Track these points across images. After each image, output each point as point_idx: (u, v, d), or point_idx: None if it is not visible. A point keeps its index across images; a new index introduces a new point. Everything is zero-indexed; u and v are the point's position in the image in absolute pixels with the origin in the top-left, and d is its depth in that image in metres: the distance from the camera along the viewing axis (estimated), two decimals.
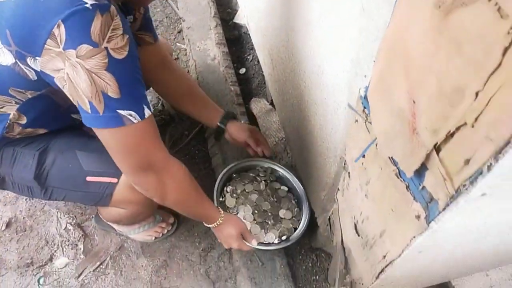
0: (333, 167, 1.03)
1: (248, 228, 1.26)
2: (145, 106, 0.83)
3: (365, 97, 0.73)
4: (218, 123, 1.35)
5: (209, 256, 1.44)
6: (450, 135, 0.49)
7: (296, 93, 1.22)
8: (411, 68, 0.54)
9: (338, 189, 1.01)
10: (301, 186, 1.37)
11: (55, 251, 1.46)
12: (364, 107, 0.74)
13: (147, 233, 1.45)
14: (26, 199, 1.58)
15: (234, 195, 1.38)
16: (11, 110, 0.96)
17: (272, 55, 1.44)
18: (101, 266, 1.43)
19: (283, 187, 1.42)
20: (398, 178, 0.66)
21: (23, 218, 1.53)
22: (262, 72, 1.87)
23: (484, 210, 0.57)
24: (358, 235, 0.91)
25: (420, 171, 0.59)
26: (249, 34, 2.01)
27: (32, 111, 0.99)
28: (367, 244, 0.88)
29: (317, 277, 1.34)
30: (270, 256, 1.34)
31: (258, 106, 1.71)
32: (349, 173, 0.90)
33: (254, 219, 1.33)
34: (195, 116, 1.40)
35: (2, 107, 0.95)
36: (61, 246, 1.47)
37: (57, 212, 1.54)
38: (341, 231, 1.03)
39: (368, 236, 0.87)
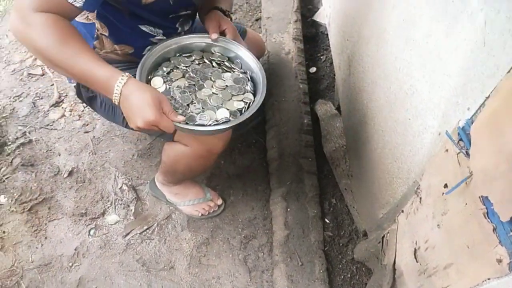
0: (401, 188, 1.03)
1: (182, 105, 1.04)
2: None
3: (464, 130, 0.72)
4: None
5: (250, 244, 1.48)
6: None
7: (373, 106, 1.21)
8: None
9: (402, 211, 1.00)
10: (260, 72, 1.13)
11: (108, 207, 1.54)
12: (460, 139, 0.73)
13: (195, 208, 1.50)
14: (89, 152, 1.67)
15: (166, 72, 1.12)
16: (94, 19, 1.11)
17: (351, 61, 1.44)
18: (147, 230, 1.49)
19: (232, 67, 1.17)
20: (485, 218, 0.66)
21: (84, 170, 1.62)
22: (333, 74, 1.86)
23: None
24: (417, 261, 0.91)
25: None
26: (326, 34, 2.00)
27: (105, 18, 1.10)
28: (426, 272, 0.87)
29: None
30: (310, 258, 1.36)
31: (323, 108, 1.71)
32: (421, 198, 0.90)
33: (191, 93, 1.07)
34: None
35: (88, 15, 1.11)
36: (114, 204, 1.55)
37: (116, 171, 1.62)
38: (396, 252, 1.03)
39: (428, 265, 0.86)
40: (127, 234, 1.48)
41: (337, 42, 1.68)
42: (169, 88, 1.08)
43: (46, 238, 1.46)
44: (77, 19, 1.12)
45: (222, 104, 1.07)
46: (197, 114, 1.03)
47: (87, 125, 1.76)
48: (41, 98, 1.85)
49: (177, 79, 1.10)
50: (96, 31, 1.14)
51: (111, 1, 1.05)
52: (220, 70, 1.15)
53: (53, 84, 1.88)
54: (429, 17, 0.85)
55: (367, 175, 1.29)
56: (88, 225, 1.50)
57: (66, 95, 1.85)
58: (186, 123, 0.98)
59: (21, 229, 1.47)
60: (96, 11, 1.08)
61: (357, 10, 1.36)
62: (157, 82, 1.08)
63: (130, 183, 1.59)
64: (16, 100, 1.83)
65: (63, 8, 0.90)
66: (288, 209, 1.46)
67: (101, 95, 1.20)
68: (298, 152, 1.59)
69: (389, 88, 1.08)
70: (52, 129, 1.75)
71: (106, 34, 1.14)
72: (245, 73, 1.17)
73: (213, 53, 1.19)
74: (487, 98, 0.65)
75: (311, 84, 1.86)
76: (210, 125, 1.01)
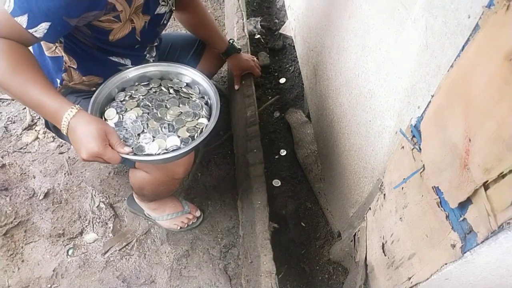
0: (367, 187, 1.08)
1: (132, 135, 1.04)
2: (26, 16, 0.87)
3: (416, 127, 0.78)
4: (222, 55, 1.62)
5: (229, 253, 1.50)
6: (502, 176, 0.54)
7: (338, 111, 1.27)
8: (472, 110, 0.58)
9: (370, 209, 1.06)
10: (214, 96, 1.11)
11: (86, 226, 1.54)
12: (413, 136, 0.78)
13: (174, 221, 1.52)
14: (64, 173, 1.67)
15: (121, 103, 1.12)
16: (61, 52, 1.12)
17: (317, 70, 1.50)
18: (127, 246, 1.50)
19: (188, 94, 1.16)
20: (439, 207, 0.71)
21: (60, 191, 1.62)
22: (301, 84, 1.93)
23: None
24: (385, 255, 0.96)
25: (464, 204, 0.64)
26: (293, 46, 2.07)
27: (73, 51, 1.12)
28: (393, 264, 0.92)
29: None
30: (257, 252, 1.29)
31: (294, 116, 1.77)
32: (385, 195, 0.95)
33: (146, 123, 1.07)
34: (207, 43, 1.58)
35: (55, 48, 1.12)
36: (92, 222, 1.55)
37: (92, 190, 1.62)
38: (366, 248, 1.07)
39: (395, 257, 0.91)
40: (106, 252, 1.48)
41: (303, 53, 1.75)
42: (122, 118, 1.07)
43: (23, 261, 1.45)
44: (45, 53, 1.15)
45: (174, 132, 1.06)
46: (146, 143, 1.02)
47: (62, 146, 1.76)
48: (14, 122, 1.84)
49: (131, 109, 1.10)
50: (64, 63, 1.15)
51: (78, 37, 1.08)
52: (177, 97, 1.15)
53: (25, 108, 1.88)
54: (380, 25, 0.92)
55: (338, 178, 1.34)
56: (66, 245, 1.49)
57: (39, 118, 1.85)
58: (134, 154, 0.98)
59: None
60: (63, 45, 1.11)
61: (319, 22, 1.42)
62: (111, 113, 1.08)
63: (107, 200, 1.60)
64: None
65: (21, 35, 0.91)
66: (243, 209, 1.47)
67: None
68: (246, 149, 1.57)
69: (351, 93, 1.14)
70: (26, 152, 1.74)
71: (75, 66, 1.15)
72: (202, 97, 1.16)
73: (171, 80, 1.19)
74: (432, 96, 0.71)
75: (281, 94, 1.92)
76: (158, 154, 1.00)
